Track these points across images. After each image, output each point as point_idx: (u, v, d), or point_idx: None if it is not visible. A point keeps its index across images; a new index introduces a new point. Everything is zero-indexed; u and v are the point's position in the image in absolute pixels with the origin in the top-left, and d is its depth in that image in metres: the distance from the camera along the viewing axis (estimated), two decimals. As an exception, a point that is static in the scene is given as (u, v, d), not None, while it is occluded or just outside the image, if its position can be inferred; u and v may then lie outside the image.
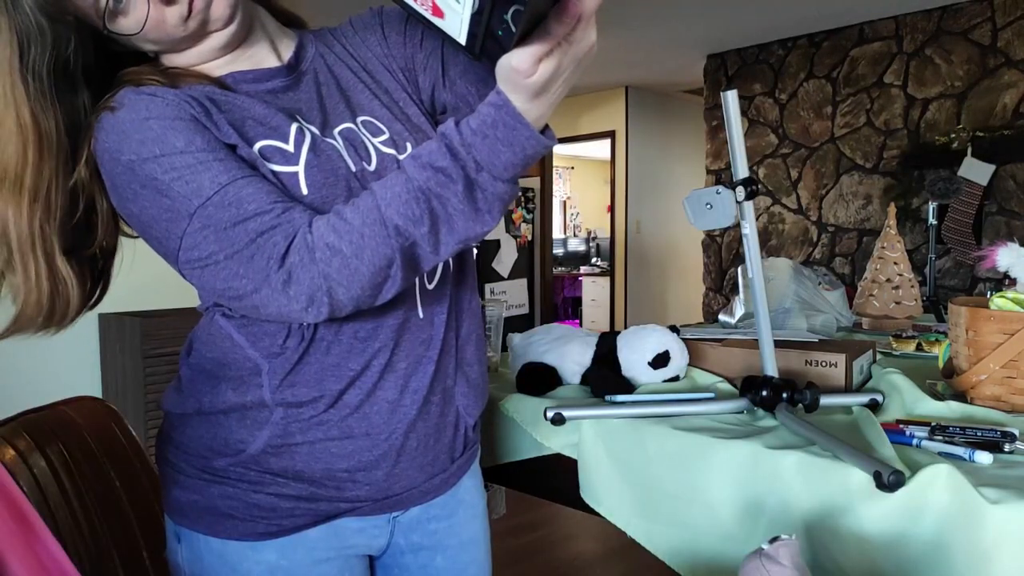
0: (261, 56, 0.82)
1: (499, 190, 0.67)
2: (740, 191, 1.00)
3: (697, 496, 0.94)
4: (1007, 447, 0.88)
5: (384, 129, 0.84)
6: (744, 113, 5.31)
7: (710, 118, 5.59)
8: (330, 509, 0.82)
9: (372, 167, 0.81)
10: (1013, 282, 1.11)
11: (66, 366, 3.07)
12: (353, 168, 0.79)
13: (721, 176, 5.53)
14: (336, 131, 0.81)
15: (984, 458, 0.85)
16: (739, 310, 1.80)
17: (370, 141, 0.82)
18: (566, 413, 1.05)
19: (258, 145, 0.75)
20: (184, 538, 0.82)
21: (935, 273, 2.41)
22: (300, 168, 0.75)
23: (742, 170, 1.02)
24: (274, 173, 0.74)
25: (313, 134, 0.79)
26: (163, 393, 0.88)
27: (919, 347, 1.55)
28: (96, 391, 3.18)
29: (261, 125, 0.76)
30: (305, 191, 0.75)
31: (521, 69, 0.59)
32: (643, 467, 0.99)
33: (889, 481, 0.76)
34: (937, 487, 0.76)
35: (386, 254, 0.68)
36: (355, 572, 0.87)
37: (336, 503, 0.82)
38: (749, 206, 1.01)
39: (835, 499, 0.83)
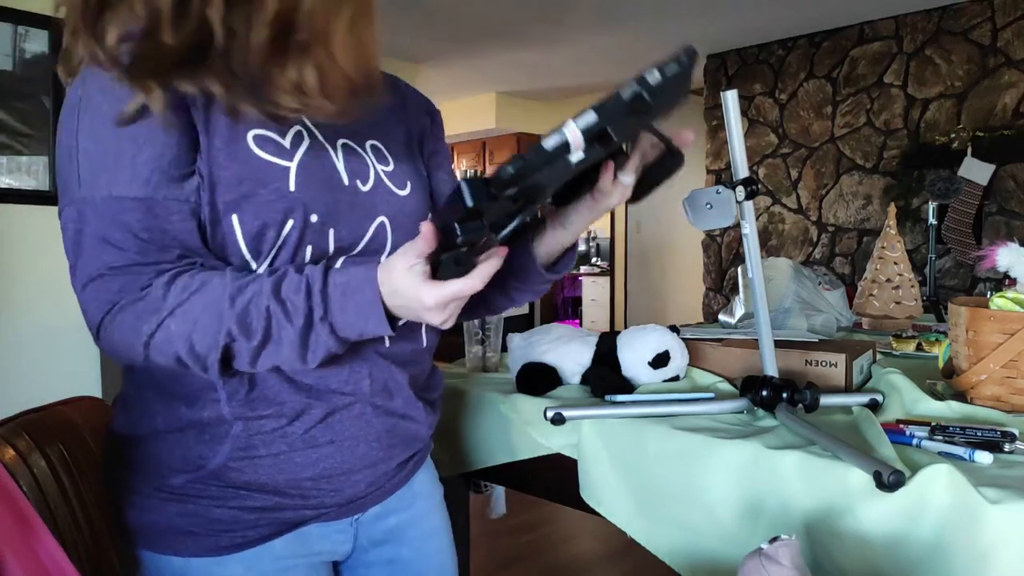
0: None
1: (330, 344, 0.70)
2: (740, 191, 1.00)
3: (697, 496, 0.94)
4: (1007, 447, 0.88)
5: (390, 160, 0.85)
6: (744, 113, 5.31)
7: (710, 118, 5.59)
8: (295, 517, 0.81)
9: (367, 188, 0.80)
10: (1013, 282, 1.11)
11: (66, 366, 3.06)
12: (346, 183, 0.78)
13: (721, 176, 5.53)
14: (338, 143, 0.81)
15: (984, 458, 0.85)
16: (739, 310, 1.80)
17: (373, 164, 0.83)
18: (566, 413, 1.05)
19: (252, 133, 0.73)
20: (145, 561, 0.80)
21: (935, 273, 2.41)
22: (293, 165, 0.74)
23: (742, 170, 1.02)
24: (265, 162, 0.73)
25: (313, 138, 0.78)
26: (116, 414, 0.84)
27: (919, 347, 1.55)
28: (96, 391, 3.18)
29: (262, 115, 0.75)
30: (293, 188, 0.74)
31: (428, 304, 0.67)
32: (643, 467, 0.99)
33: (889, 481, 0.76)
34: (937, 487, 0.76)
35: (208, 344, 0.68)
36: None
37: (301, 511, 0.81)
38: (749, 206, 1.01)
39: (835, 499, 0.83)
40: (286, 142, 0.75)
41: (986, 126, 4.22)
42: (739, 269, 1.86)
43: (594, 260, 8.78)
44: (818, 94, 4.98)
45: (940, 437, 0.91)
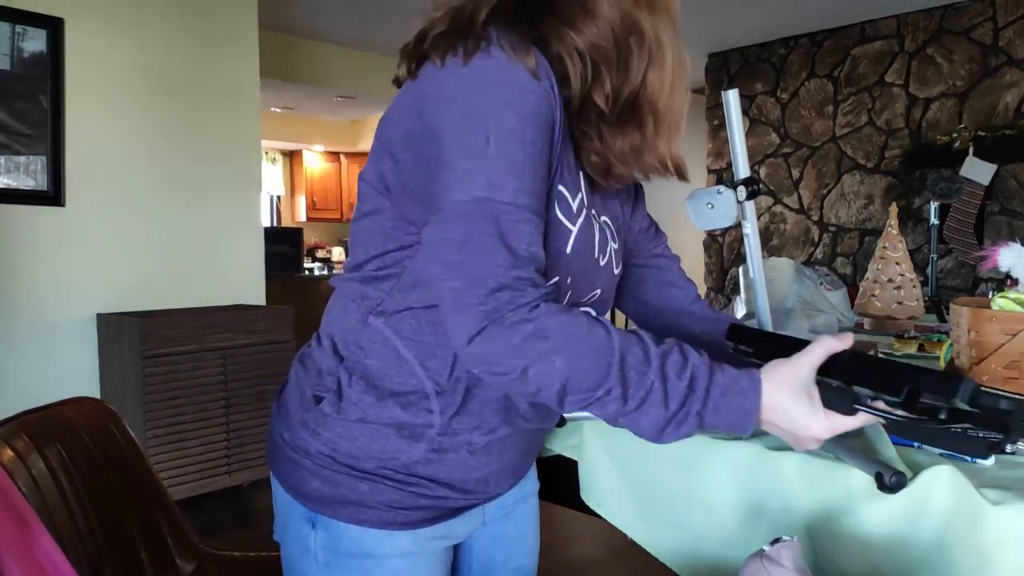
0: None
1: (688, 432, 0.71)
2: (741, 191, 1.00)
3: (698, 497, 0.94)
4: (1009, 448, 0.88)
5: (616, 238, 0.90)
6: (745, 112, 5.31)
7: (712, 117, 5.59)
8: (455, 505, 0.88)
9: (603, 262, 0.85)
10: (1015, 282, 1.10)
11: (65, 366, 3.06)
12: (595, 254, 0.83)
13: (722, 176, 5.53)
14: (602, 219, 0.86)
15: (986, 459, 0.85)
16: (740, 310, 1.80)
17: (610, 240, 0.88)
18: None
19: (559, 187, 0.78)
20: (321, 524, 0.87)
21: (937, 273, 2.40)
22: (575, 230, 0.79)
23: (743, 170, 1.01)
24: (557, 219, 0.77)
25: (588, 210, 0.82)
26: (322, 394, 0.87)
27: (921, 347, 1.54)
28: (95, 391, 3.18)
29: (568, 173, 0.79)
30: (568, 250, 0.78)
31: (819, 437, 0.71)
32: (644, 469, 0.99)
33: (891, 482, 0.75)
34: (939, 488, 0.76)
35: (580, 395, 0.70)
36: (449, 553, 0.93)
37: (460, 501, 0.88)
38: (750, 206, 1.01)
39: (836, 500, 0.82)
40: (574, 204, 0.79)
41: (988, 126, 4.22)
42: (740, 269, 1.86)
43: (595, 260, 8.78)
44: (819, 93, 4.97)
45: (942, 438, 0.90)
